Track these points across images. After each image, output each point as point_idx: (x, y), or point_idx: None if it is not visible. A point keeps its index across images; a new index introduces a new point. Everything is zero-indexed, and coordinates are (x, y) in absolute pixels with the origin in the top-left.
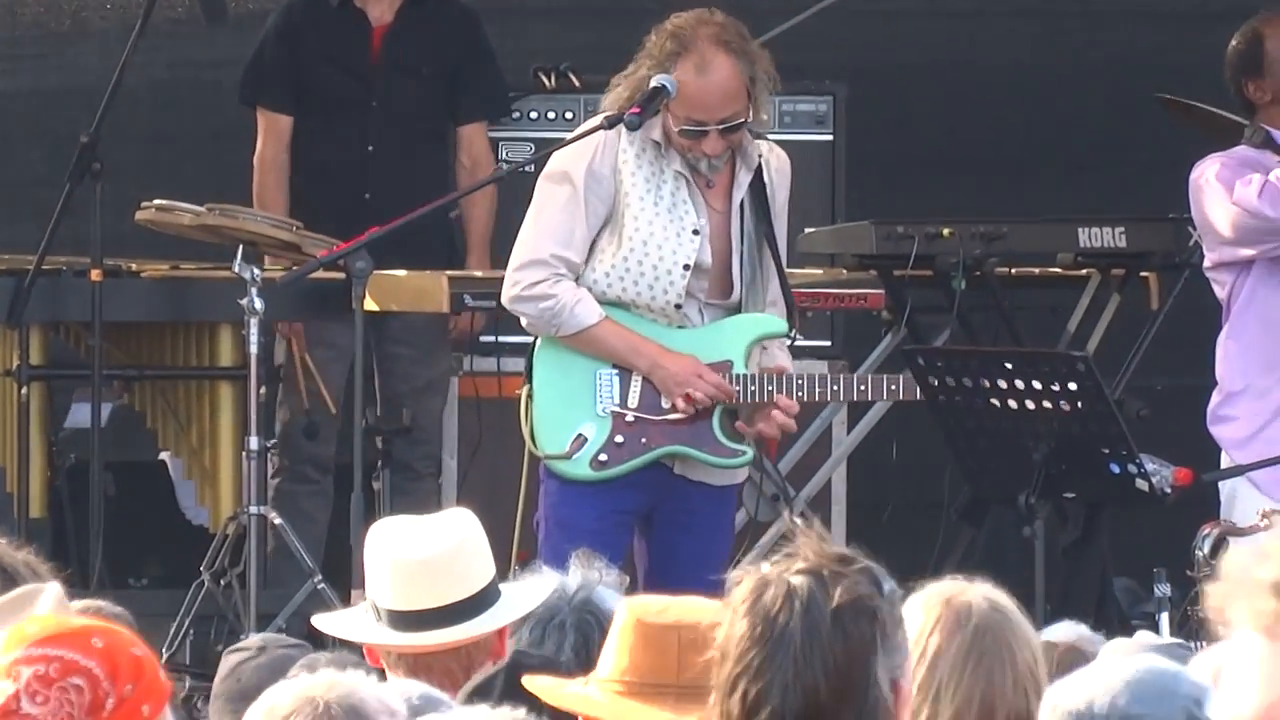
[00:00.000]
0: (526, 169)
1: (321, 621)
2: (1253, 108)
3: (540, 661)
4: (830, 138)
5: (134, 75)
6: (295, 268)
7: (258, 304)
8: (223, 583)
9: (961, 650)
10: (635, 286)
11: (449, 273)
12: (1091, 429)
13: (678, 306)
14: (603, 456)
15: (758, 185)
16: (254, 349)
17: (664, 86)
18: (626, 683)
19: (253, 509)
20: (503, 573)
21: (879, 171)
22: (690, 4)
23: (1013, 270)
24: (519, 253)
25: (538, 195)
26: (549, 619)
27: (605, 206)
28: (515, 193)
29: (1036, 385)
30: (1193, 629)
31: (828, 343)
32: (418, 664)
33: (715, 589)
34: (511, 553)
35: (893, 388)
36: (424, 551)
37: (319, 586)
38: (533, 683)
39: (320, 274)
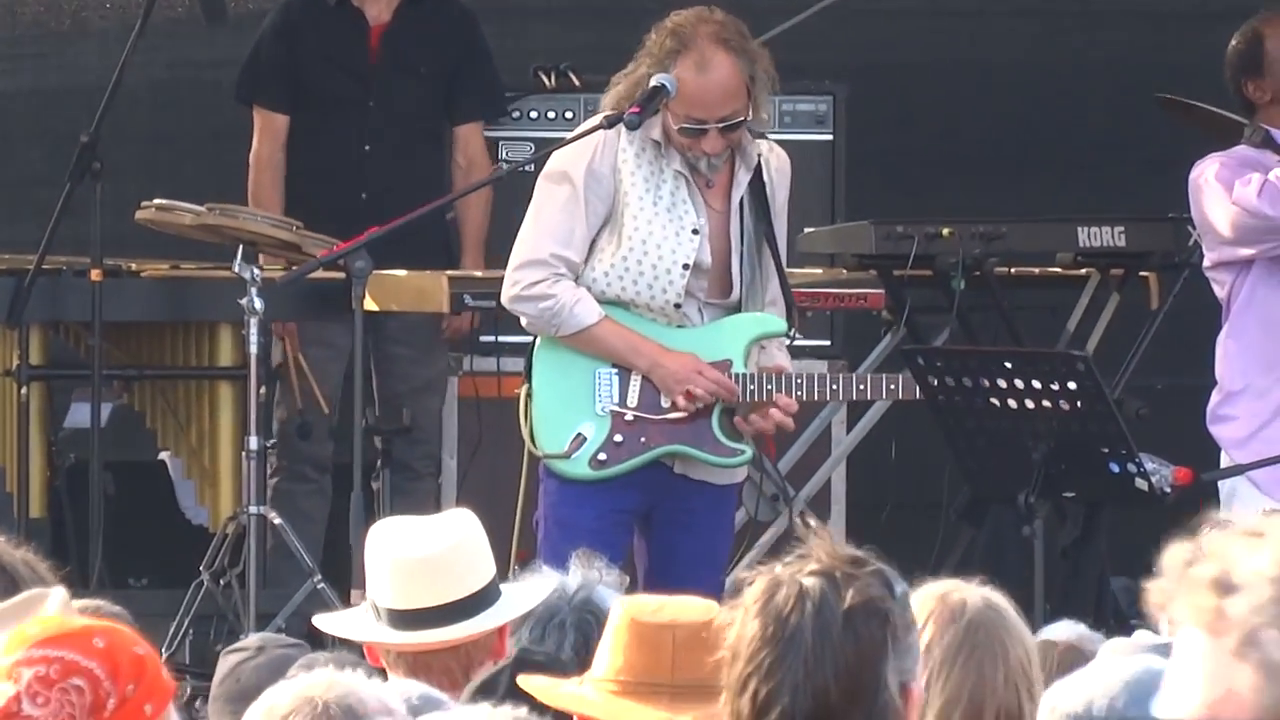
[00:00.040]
0: (526, 169)
1: (322, 621)
2: (1252, 107)
3: (545, 659)
4: (830, 137)
5: (134, 75)
6: (295, 267)
7: (257, 304)
8: (222, 582)
9: (953, 643)
10: (635, 286)
11: (449, 273)
12: (1091, 428)
13: (677, 306)
14: (602, 456)
15: (757, 185)
16: (254, 349)
17: (663, 86)
18: (621, 682)
19: (252, 509)
20: (502, 572)
21: (879, 171)
22: (690, 2)
23: (1012, 270)
24: (518, 252)
25: (537, 195)
26: (549, 618)
27: (605, 206)
28: (515, 192)
29: (1036, 385)
30: None
31: (827, 342)
32: (417, 663)
33: (715, 588)
34: (511, 552)
35: (892, 387)
36: (423, 550)
37: (318, 586)
38: (528, 682)
39: (320, 274)
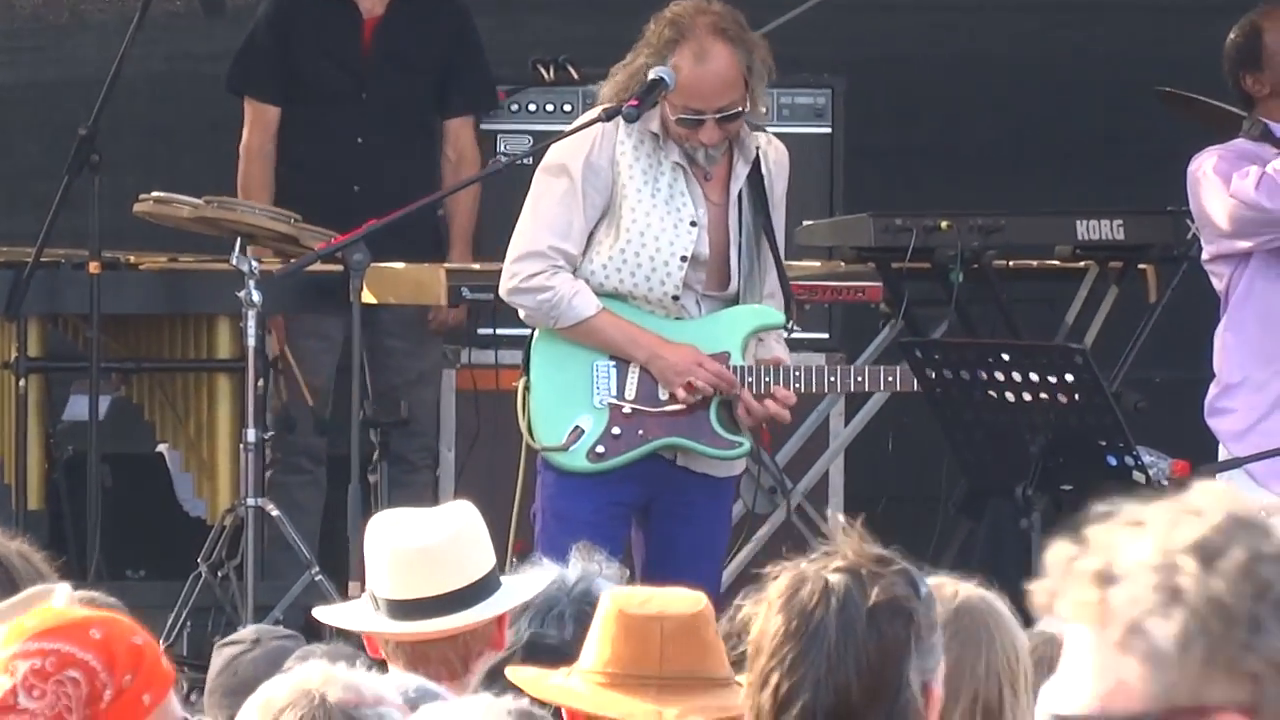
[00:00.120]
0: (525, 161)
1: (321, 613)
2: (1251, 101)
3: (557, 643)
4: (829, 130)
5: (132, 68)
6: (293, 260)
7: (255, 296)
8: (220, 575)
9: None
10: (632, 278)
11: (446, 265)
12: (1089, 421)
13: (675, 298)
14: (600, 448)
15: (755, 177)
16: (252, 341)
17: (662, 79)
18: (609, 674)
19: (250, 501)
20: (500, 565)
21: (877, 164)
22: None
23: (1010, 263)
24: (516, 245)
25: (535, 188)
26: (548, 609)
27: (603, 198)
28: (514, 185)
29: (1034, 377)
30: None
31: (825, 335)
32: (416, 653)
33: (713, 581)
34: (508, 544)
35: (890, 379)
36: (422, 540)
37: (316, 579)
38: (516, 674)
39: (317, 266)
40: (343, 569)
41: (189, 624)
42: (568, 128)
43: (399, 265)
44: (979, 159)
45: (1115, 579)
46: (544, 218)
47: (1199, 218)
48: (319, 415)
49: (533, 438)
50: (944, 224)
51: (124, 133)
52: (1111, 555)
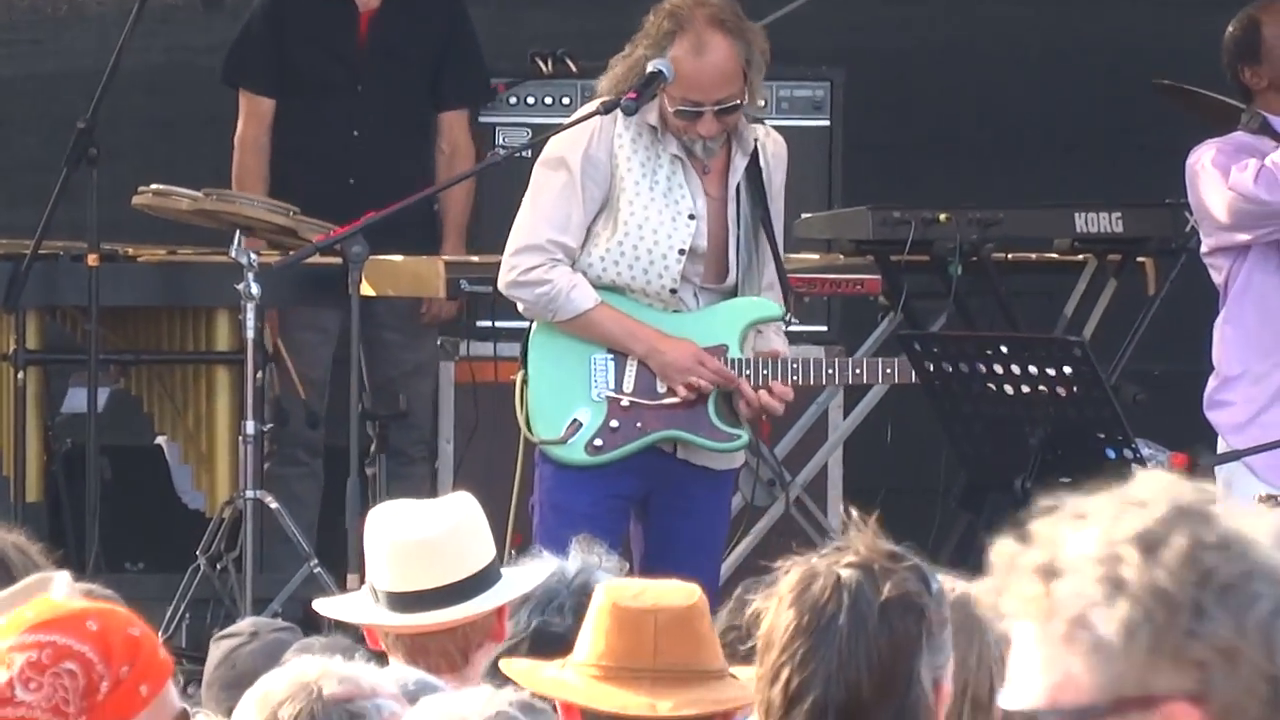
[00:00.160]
0: (523, 154)
1: (321, 605)
2: (1250, 94)
3: (563, 631)
4: (827, 123)
5: (131, 60)
6: (292, 253)
7: (254, 289)
8: (219, 567)
9: None
10: (630, 271)
11: (445, 258)
12: (1087, 414)
13: (672, 291)
14: (598, 441)
15: (754, 170)
16: (250, 333)
17: (660, 72)
18: (602, 666)
19: (249, 493)
20: (498, 557)
21: (876, 157)
22: None
23: (1009, 255)
24: (515, 238)
25: (534, 181)
26: (548, 601)
27: (601, 191)
28: (513, 178)
29: (1033, 370)
30: None
31: (824, 328)
32: (415, 646)
33: (712, 574)
34: (506, 537)
35: (888, 371)
36: (422, 533)
37: (315, 571)
38: (509, 666)
39: (316, 259)
40: (341, 561)
41: (188, 616)
42: (566, 121)
43: (397, 258)
44: (978, 152)
45: (1059, 572)
46: (542, 211)
47: (1197, 210)
48: (311, 408)
49: (530, 431)
50: (943, 217)
51: (122, 125)
52: (1055, 549)
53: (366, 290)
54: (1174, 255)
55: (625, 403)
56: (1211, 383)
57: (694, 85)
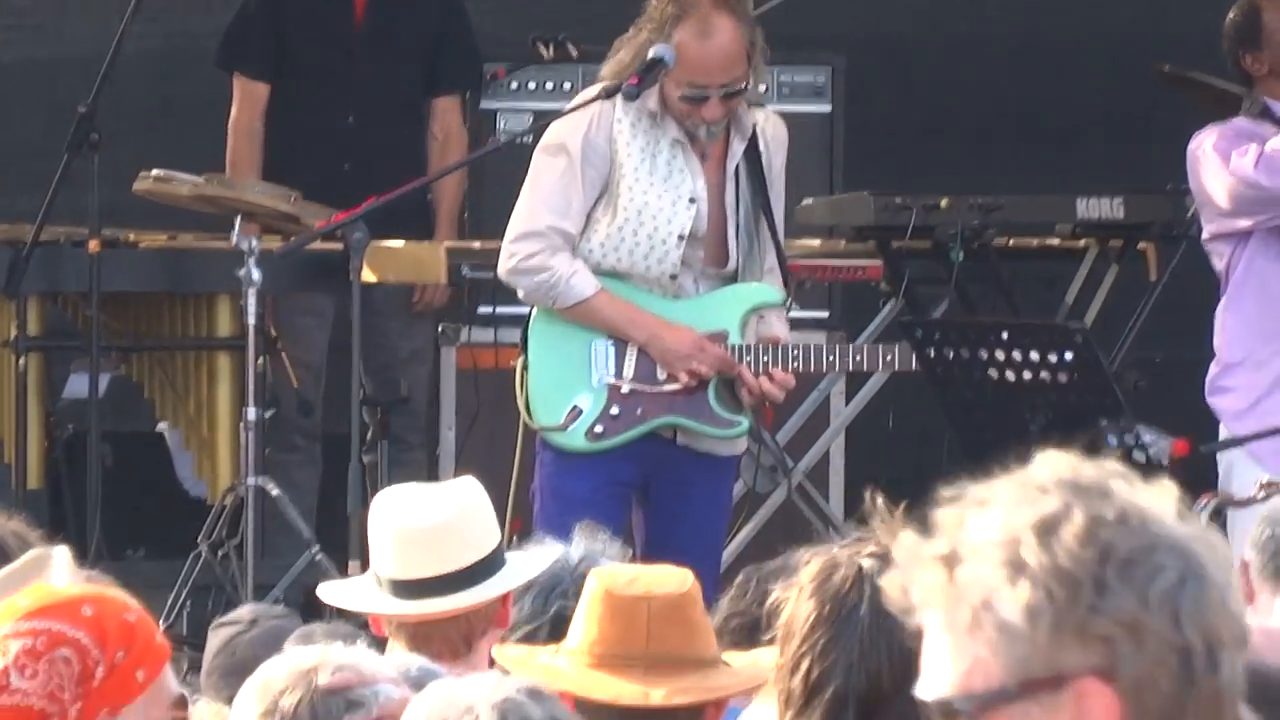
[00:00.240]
0: (524, 140)
1: (325, 591)
2: (1250, 80)
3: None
4: (828, 109)
5: (132, 45)
6: (293, 238)
7: (255, 275)
8: (220, 554)
9: None
10: (630, 256)
11: (447, 244)
12: (1089, 400)
13: (672, 277)
14: (598, 428)
15: (752, 154)
16: (252, 319)
17: (662, 58)
18: (595, 654)
19: (250, 480)
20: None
21: (877, 143)
22: None
23: (1010, 242)
24: (515, 225)
25: (534, 167)
26: (551, 588)
27: (601, 176)
28: (514, 164)
29: (1034, 356)
30: None
31: (826, 314)
32: (418, 633)
33: (714, 561)
34: (505, 523)
35: (888, 358)
36: (425, 520)
37: (317, 558)
38: (502, 653)
39: (316, 244)
40: (341, 547)
41: (189, 603)
42: (568, 106)
43: (399, 243)
44: (979, 137)
45: (961, 560)
46: (542, 197)
47: (1198, 196)
48: (304, 395)
49: (531, 417)
50: (944, 202)
51: (124, 111)
52: (957, 537)
53: (368, 276)
54: (1175, 241)
55: (625, 389)
56: (1213, 369)
57: (700, 69)
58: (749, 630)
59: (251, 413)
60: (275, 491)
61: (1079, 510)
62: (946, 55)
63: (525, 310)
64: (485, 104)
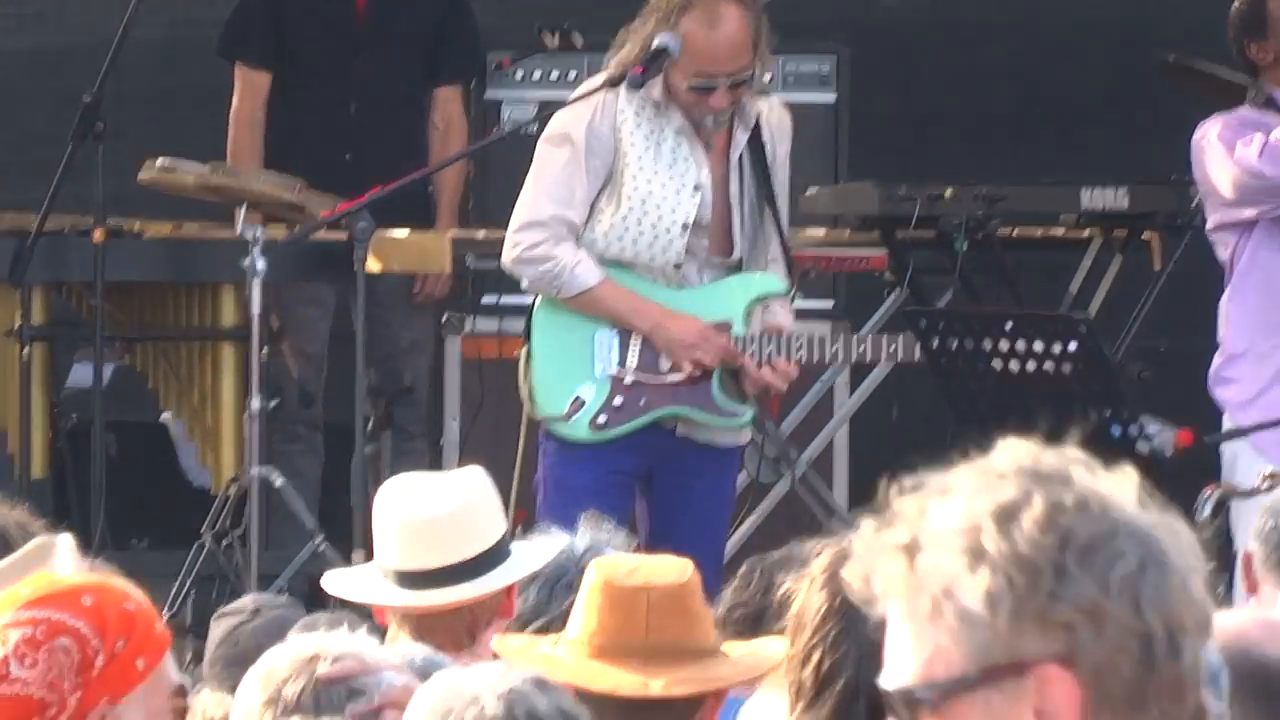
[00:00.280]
0: (529, 130)
1: (330, 581)
2: (1255, 69)
3: None
4: (833, 99)
5: (136, 34)
6: (297, 228)
7: (260, 264)
8: (224, 544)
9: None
10: (634, 246)
11: (452, 233)
12: (1093, 390)
13: (676, 266)
14: (601, 418)
15: (756, 143)
16: (256, 310)
17: (666, 48)
18: (595, 644)
19: (254, 470)
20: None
21: (882, 132)
22: None
23: (1015, 232)
24: (519, 214)
25: (538, 157)
26: (556, 579)
27: (605, 166)
28: (519, 153)
29: (1038, 347)
30: None
31: (830, 304)
32: (422, 624)
33: (717, 551)
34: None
35: (892, 349)
36: (430, 511)
37: (320, 548)
38: (503, 643)
39: (320, 234)
40: (344, 537)
41: (193, 593)
42: (572, 95)
43: (403, 233)
44: (983, 127)
45: (921, 548)
46: (546, 187)
47: (1203, 186)
48: (305, 385)
49: (534, 407)
50: (948, 192)
51: (128, 100)
52: (918, 525)
53: (372, 265)
54: (1179, 231)
55: (629, 379)
56: (1216, 359)
57: (708, 58)
58: (752, 621)
59: (256, 403)
60: (279, 481)
61: (1039, 497)
62: (952, 44)
63: (528, 300)
64: (490, 93)
